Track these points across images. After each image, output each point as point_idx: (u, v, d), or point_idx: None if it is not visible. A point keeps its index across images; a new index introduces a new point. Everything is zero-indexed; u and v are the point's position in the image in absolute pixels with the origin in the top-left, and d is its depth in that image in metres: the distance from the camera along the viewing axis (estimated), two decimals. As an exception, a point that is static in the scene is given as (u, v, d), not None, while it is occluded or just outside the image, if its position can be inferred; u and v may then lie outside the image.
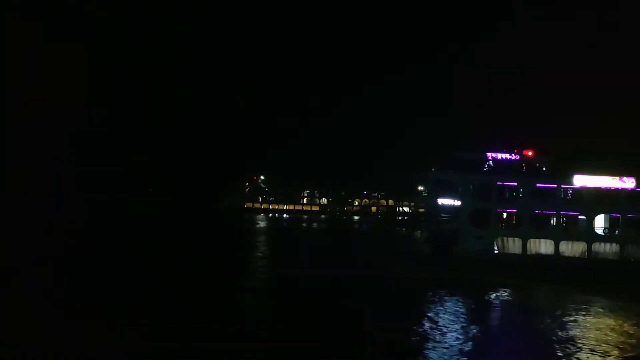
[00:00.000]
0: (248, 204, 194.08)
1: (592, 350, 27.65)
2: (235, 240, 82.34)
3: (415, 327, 30.74)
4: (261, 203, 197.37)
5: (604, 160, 50.19)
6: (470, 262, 46.69)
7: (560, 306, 38.23)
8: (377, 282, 45.25)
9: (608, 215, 49.48)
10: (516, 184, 49.52)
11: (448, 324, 31.94)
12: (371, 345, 27.12)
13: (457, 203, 50.47)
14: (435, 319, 33.46)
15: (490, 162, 50.52)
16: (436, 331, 30.33)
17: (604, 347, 28.25)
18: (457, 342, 28.46)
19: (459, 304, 39.11)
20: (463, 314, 35.94)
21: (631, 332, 31.56)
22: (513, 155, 50.22)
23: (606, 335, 30.70)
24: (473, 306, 38.28)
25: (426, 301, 38.71)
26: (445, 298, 39.98)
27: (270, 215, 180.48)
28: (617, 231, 48.92)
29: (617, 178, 48.54)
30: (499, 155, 50.20)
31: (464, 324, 32.71)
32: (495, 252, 48.73)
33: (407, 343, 27.98)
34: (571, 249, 48.47)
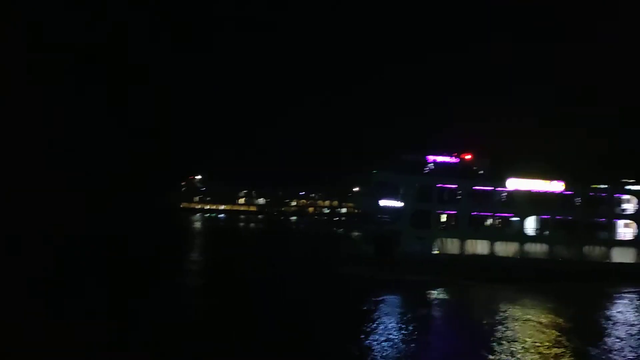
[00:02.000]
0: (184, 204, 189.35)
1: (517, 341, 28.77)
2: (168, 240, 79.51)
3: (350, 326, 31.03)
4: (197, 203, 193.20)
5: (536, 164, 52.44)
6: (412, 262, 47.28)
7: (493, 303, 39.55)
8: (322, 282, 45.03)
9: (539, 217, 51.66)
10: (456, 186, 50.69)
11: (385, 321, 32.80)
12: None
13: (399, 204, 51.03)
14: (372, 316, 33.95)
15: (432, 164, 51.46)
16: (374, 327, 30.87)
17: (530, 340, 29.25)
18: (396, 338, 29.12)
19: (399, 302, 40.07)
20: (403, 312, 36.83)
21: (555, 326, 32.91)
22: (453, 158, 51.45)
23: (534, 330, 31.74)
24: (413, 305, 38.94)
25: (365, 299, 38.80)
26: (385, 297, 40.52)
27: (207, 215, 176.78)
28: (546, 232, 51.19)
29: (548, 182, 50.88)
30: (440, 158, 51.28)
31: (401, 322, 33.43)
32: (435, 252, 49.70)
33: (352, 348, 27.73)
34: (505, 249, 50.24)
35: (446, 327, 34.57)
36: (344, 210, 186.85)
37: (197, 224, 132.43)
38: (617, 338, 30.85)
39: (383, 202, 52.49)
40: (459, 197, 50.87)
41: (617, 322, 35.06)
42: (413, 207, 49.75)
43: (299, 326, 30.06)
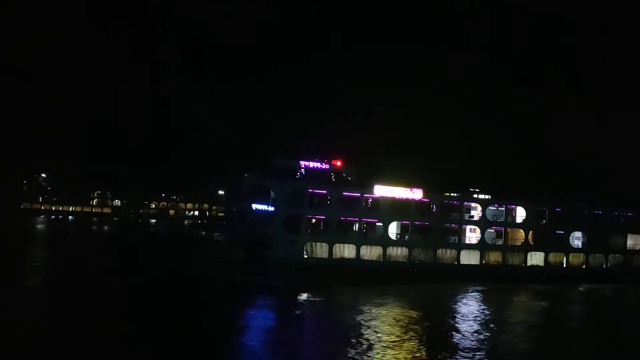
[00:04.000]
0: (26, 205, 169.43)
1: (379, 337, 30.99)
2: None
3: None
4: (42, 204, 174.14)
5: (399, 172, 55.48)
6: (283, 266, 47.08)
7: (356, 304, 41.33)
8: (190, 287, 43.28)
9: (400, 222, 54.61)
10: (325, 191, 51.56)
11: (257, 324, 33.45)
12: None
13: (270, 208, 50.52)
14: (244, 320, 34.43)
15: (303, 170, 51.80)
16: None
17: (391, 336, 31.66)
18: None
19: (270, 306, 40.41)
20: (273, 316, 37.53)
21: (407, 321, 35.75)
22: (324, 164, 52.35)
23: (388, 325, 34.34)
24: (283, 308, 39.39)
25: (237, 304, 38.85)
26: (257, 301, 40.94)
27: (53, 217, 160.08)
28: (407, 236, 54.28)
29: (408, 189, 54.00)
30: (311, 164, 51.86)
31: (271, 325, 34.60)
32: (305, 256, 50.04)
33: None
34: (370, 252, 52.27)
35: (311, 328, 35.38)
36: (206, 213, 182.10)
37: (40, 227, 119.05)
38: (465, 327, 34.96)
39: (253, 206, 51.63)
40: (328, 202, 51.73)
41: (462, 315, 39.77)
42: (284, 211, 49.59)
43: (163, 332, 28.82)
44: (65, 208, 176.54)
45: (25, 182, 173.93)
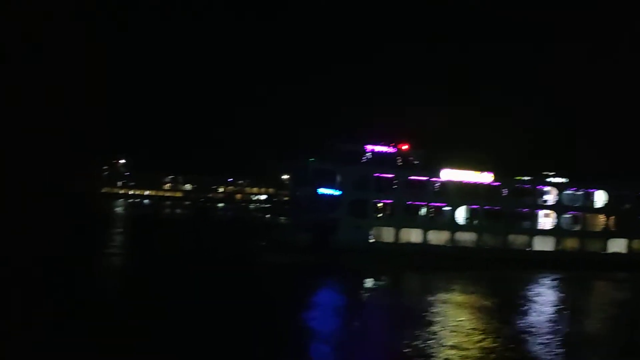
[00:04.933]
0: (106, 189, 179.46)
1: (449, 328, 29.40)
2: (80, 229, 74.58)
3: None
4: (120, 188, 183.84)
5: (468, 156, 53.78)
6: (349, 251, 47.01)
7: (424, 289, 40.53)
8: (258, 271, 43.89)
9: (469, 207, 53.01)
10: (392, 176, 50.82)
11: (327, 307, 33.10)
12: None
13: (337, 193, 50.46)
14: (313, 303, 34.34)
15: (369, 154, 51.26)
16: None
17: (461, 325, 30.16)
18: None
19: (338, 289, 40.33)
20: (341, 299, 37.44)
21: (480, 309, 34.38)
22: (390, 148, 51.53)
23: (464, 315, 32.79)
24: (351, 291, 39.09)
25: (304, 288, 38.83)
26: (326, 283, 41.07)
27: (130, 201, 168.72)
28: (475, 221, 52.64)
29: (478, 173, 52.24)
30: (377, 148, 51.19)
31: (340, 307, 34.24)
32: (371, 241, 49.74)
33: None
34: (437, 237, 51.19)
35: (381, 312, 34.71)
36: (272, 198, 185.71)
37: (119, 211, 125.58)
38: (535, 318, 32.97)
39: (319, 191, 51.72)
40: (395, 186, 50.99)
41: (534, 304, 37.45)
42: (350, 195, 49.36)
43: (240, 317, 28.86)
44: (140, 192, 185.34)
45: (105, 167, 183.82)
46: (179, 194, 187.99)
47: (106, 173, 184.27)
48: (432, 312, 32.50)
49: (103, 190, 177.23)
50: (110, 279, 38.26)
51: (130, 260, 44.16)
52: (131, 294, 32.71)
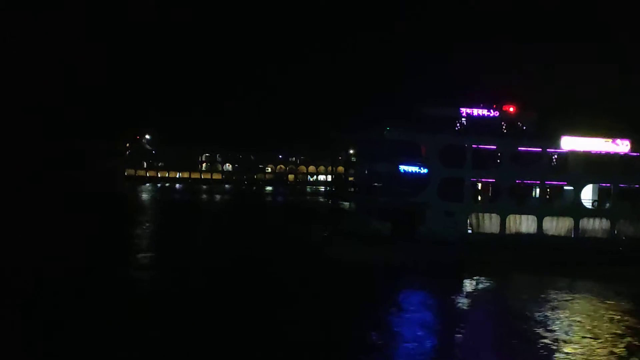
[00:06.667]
0: (129, 171, 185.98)
1: (583, 343, 28.88)
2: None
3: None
4: (147, 170, 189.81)
5: (596, 119, 51.69)
6: (440, 243, 46.67)
7: (541, 296, 39.12)
8: (324, 267, 44.76)
9: (598, 186, 51.09)
10: (495, 147, 49.75)
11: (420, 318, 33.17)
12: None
13: (422, 171, 49.95)
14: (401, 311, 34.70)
15: (464, 119, 50.33)
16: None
17: (597, 339, 29.37)
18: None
19: (428, 294, 40.08)
20: (434, 306, 37.28)
21: (623, 321, 32.95)
22: (491, 111, 50.32)
23: (597, 327, 31.79)
24: (449, 296, 38.55)
25: (392, 289, 39.35)
26: (414, 286, 41.18)
27: (160, 185, 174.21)
28: (607, 204, 50.67)
29: (610, 140, 50.08)
30: (475, 111, 50.12)
31: (436, 319, 34.09)
32: (469, 231, 49.18)
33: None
34: (556, 225, 49.88)
35: (481, 323, 34.39)
36: (335, 178, 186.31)
37: (147, 198, 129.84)
38: None
39: (400, 168, 51.20)
40: (499, 160, 49.95)
41: None
42: (440, 173, 48.75)
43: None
44: (172, 174, 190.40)
45: (128, 145, 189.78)
46: (217, 176, 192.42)
47: (128, 152, 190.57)
48: (546, 324, 31.79)
49: (127, 173, 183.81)
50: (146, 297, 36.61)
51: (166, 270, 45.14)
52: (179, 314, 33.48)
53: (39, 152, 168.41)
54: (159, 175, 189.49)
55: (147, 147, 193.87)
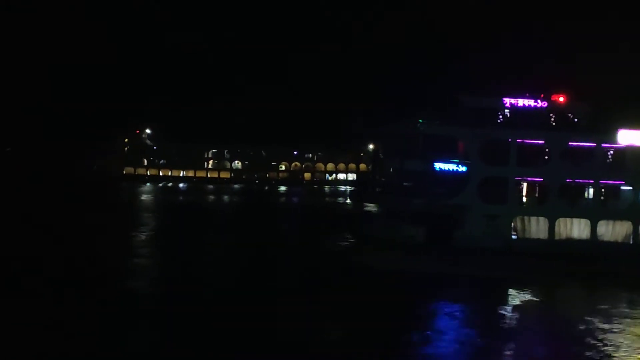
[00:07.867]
0: (128, 169, 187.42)
1: None
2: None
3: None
4: (147, 168, 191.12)
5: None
6: (480, 250, 46.95)
7: (594, 307, 39.57)
8: (354, 278, 44.99)
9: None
10: (543, 141, 49.99)
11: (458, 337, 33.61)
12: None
13: (460, 169, 50.24)
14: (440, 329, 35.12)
15: (508, 111, 50.50)
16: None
17: None
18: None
19: (470, 309, 40.37)
20: (476, 324, 37.26)
21: None
22: (539, 101, 50.52)
23: None
24: (491, 316, 38.57)
25: (425, 308, 39.38)
26: (450, 303, 40.94)
27: (161, 184, 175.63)
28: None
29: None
30: (520, 102, 50.36)
31: (478, 338, 34.12)
32: (514, 237, 49.42)
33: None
34: (613, 230, 50.08)
35: (530, 341, 34.60)
36: (342, 176, 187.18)
37: (146, 199, 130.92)
38: None
39: (435, 165, 51.43)
40: (547, 157, 50.21)
41: None
42: (481, 172, 49.12)
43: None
44: (175, 173, 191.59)
45: (126, 140, 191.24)
46: (225, 174, 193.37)
47: (127, 148, 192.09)
48: (603, 342, 31.96)
49: (125, 171, 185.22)
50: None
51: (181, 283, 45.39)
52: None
53: (39, 152, 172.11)
54: (161, 174, 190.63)
55: (148, 142, 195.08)
